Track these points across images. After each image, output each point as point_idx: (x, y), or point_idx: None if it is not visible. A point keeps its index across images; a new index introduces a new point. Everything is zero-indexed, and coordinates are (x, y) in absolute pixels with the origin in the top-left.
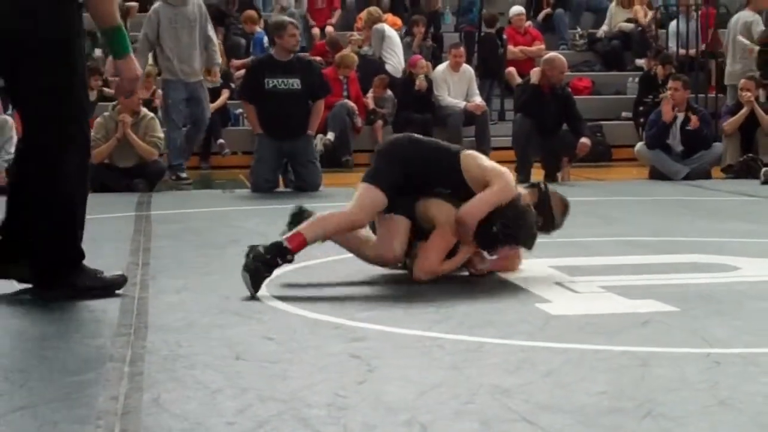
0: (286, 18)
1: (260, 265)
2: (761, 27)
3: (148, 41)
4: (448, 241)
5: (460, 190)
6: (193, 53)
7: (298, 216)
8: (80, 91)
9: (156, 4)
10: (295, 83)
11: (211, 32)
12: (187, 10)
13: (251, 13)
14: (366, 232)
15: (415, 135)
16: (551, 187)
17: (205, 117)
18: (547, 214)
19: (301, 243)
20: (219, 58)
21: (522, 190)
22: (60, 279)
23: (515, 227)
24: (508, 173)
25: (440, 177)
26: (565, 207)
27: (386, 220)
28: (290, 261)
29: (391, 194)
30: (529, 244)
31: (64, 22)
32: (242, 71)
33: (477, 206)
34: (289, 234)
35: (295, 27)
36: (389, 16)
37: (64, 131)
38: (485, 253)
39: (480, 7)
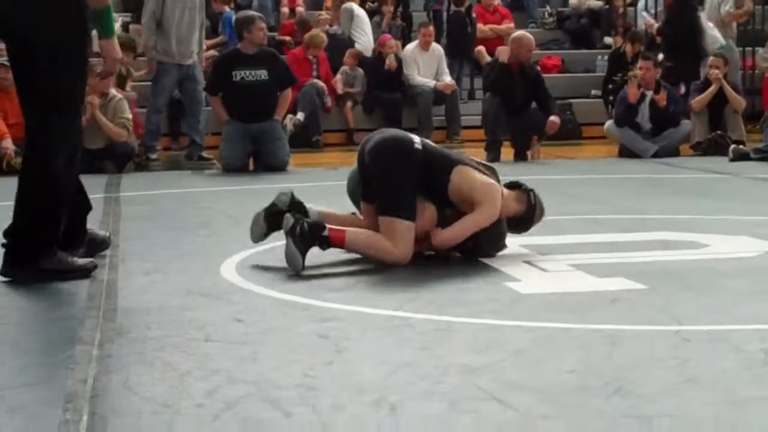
0: (255, 13)
1: (302, 245)
2: (729, 6)
3: (154, 19)
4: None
5: (443, 203)
6: (192, 34)
7: (296, 205)
8: (80, 85)
9: None
10: (263, 74)
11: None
12: None
13: None
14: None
15: (415, 140)
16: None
17: (201, 96)
18: (528, 223)
19: (338, 242)
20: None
21: (507, 191)
22: (28, 260)
23: (487, 247)
24: (497, 195)
25: (428, 186)
26: (541, 214)
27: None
28: (322, 249)
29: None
30: (492, 255)
31: (66, 17)
32: (211, 51)
33: (456, 235)
34: (335, 228)
35: (263, 21)
36: None
37: (59, 121)
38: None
39: None
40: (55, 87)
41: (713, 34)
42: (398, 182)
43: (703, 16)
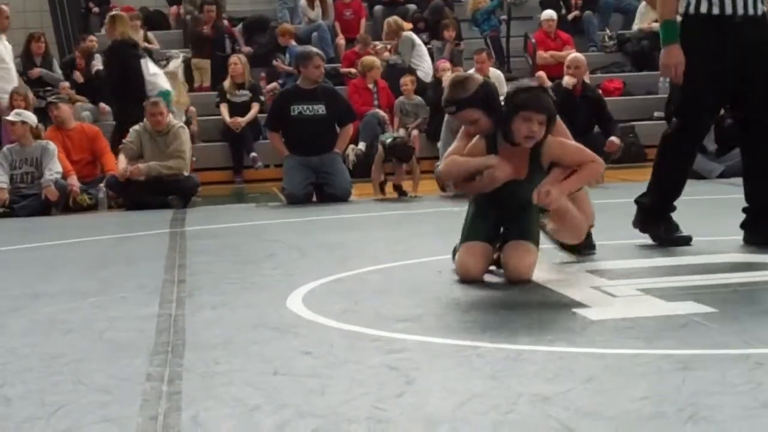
0: (313, 49)
1: None
2: None
3: None
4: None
5: None
6: None
7: None
8: None
9: None
10: (320, 109)
11: None
12: None
13: (287, 26)
14: None
15: None
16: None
17: None
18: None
19: None
20: None
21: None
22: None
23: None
24: None
25: None
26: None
27: None
28: None
29: None
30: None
31: None
32: (273, 84)
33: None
34: None
35: (321, 59)
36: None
37: None
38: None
39: (508, 13)
40: None
41: (152, 81)
42: None
43: (146, 62)
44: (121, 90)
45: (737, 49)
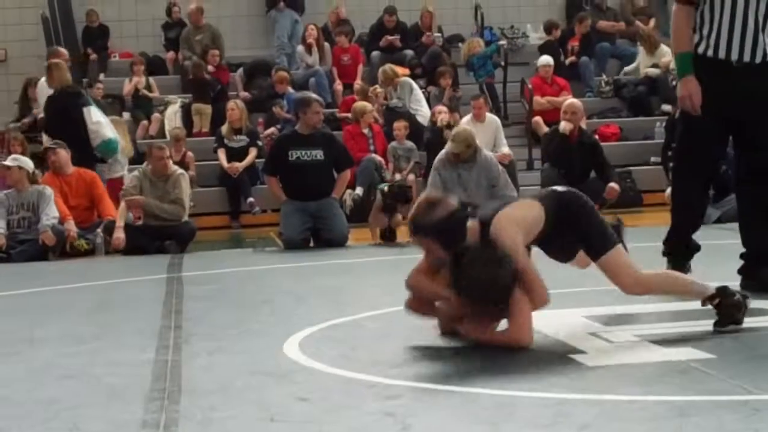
0: (312, 95)
1: None
2: None
3: None
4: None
5: None
6: None
7: None
8: None
9: None
10: (318, 154)
11: None
12: None
13: (283, 73)
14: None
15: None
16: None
17: None
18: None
19: None
20: None
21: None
22: None
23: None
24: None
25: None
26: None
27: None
28: None
29: None
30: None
31: None
32: (271, 129)
33: None
34: None
35: (319, 105)
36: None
37: None
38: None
39: (505, 59)
40: None
41: (94, 129)
42: None
43: (89, 111)
44: (61, 139)
45: (733, 94)
